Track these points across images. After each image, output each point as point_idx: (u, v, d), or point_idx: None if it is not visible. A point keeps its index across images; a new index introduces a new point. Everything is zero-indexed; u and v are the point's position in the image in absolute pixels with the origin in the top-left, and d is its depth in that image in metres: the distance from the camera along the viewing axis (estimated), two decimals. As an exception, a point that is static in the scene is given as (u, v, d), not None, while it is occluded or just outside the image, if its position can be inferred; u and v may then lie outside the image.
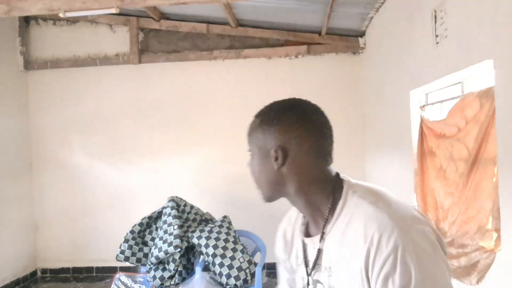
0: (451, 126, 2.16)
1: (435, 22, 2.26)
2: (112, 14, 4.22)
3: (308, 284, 0.94)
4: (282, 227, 1.09)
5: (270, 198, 0.95)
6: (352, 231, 0.81)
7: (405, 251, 0.73)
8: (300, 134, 0.87)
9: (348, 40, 4.46)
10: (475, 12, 1.82)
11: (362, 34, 4.37)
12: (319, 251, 0.88)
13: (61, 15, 3.14)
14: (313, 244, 0.91)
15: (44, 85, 4.79)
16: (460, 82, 2.30)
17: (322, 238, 0.88)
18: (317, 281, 0.91)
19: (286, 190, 0.91)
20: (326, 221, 0.87)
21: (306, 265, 0.93)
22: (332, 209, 0.86)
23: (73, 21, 4.73)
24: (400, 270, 0.73)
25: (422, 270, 0.73)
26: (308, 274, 0.92)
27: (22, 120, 4.71)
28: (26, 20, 4.76)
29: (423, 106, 2.72)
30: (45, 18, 4.75)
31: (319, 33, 4.45)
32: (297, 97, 0.95)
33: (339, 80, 4.51)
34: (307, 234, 0.95)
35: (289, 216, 1.09)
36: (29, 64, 4.71)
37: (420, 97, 2.78)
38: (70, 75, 4.74)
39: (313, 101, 0.95)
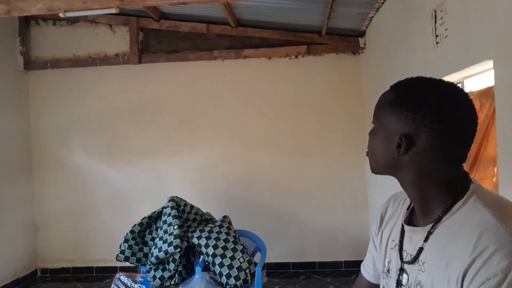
0: (451, 126, 2.16)
1: (435, 22, 2.26)
2: (112, 14, 4.23)
3: (390, 270, 0.91)
4: (385, 204, 1.03)
5: (377, 173, 0.89)
6: (463, 236, 0.74)
7: None
8: (434, 129, 0.77)
9: (348, 40, 4.46)
10: (475, 12, 1.82)
11: (362, 34, 4.37)
12: (420, 249, 0.82)
13: (61, 15, 3.14)
14: (412, 234, 0.86)
15: (44, 85, 4.79)
16: (460, 82, 2.30)
17: (427, 237, 0.81)
18: (404, 271, 0.86)
19: (400, 176, 0.85)
20: (437, 221, 0.80)
21: (400, 252, 0.88)
22: (447, 211, 0.80)
23: (73, 21, 4.73)
24: None
25: None
26: (405, 262, 0.86)
27: (22, 120, 4.71)
28: (26, 20, 4.76)
29: (423, 106, 2.72)
30: (45, 18, 4.75)
31: (319, 33, 4.45)
32: (424, 80, 0.84)
33: (339, 80, 4.51)
34: (410, 221, 0.90)
35: (396, 196, 1.03)
36: (29, 64, 4.71)
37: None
38: (70, 75, 4.74)
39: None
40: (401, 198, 1.00)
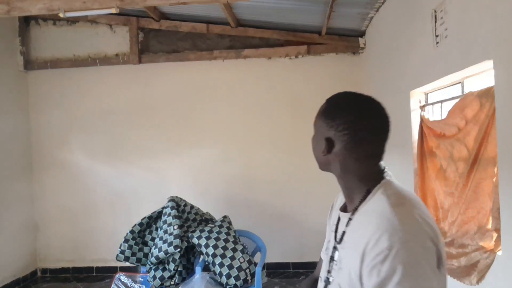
0: (451, 126, 2.16)
1: (435, 22, 2.26)
2: (112, 14, 4.23)
3: (327, 248, 1.09)
4: (338, 195, 1.20)
5: (321, 169, 1.07)
6: (367, 222, 0.91)
7: (398, 254, 0.82)
8: (345, 134, 0.96)
9: (348, 40, 4.46)
10: (475, 12, 1.82)
11: (362, 34, 4.37)
12: (343, 233, 1.01)
13: (61, 15, 3.15)
14: (342, 218, 1.04)
15: (44, 85, 4.79)
16: (460, 82, 2.30)
17: (348, 222, 1.00)
18: (336, 249, 1.04)
19: (332, 171, 1.04)
20: (355, 209, 0.98)
21: (336, 234, 1.05)
22: (362, 201, 0.97)
23: (73, 21, 4.73)
24: (388, 266, 0.82)
25: (407, 275, 0.81)
26: (336, 242, 1.03)
27: (22, 120, 4.71)
28: (26, 20, 4.76)
29: (423, 106, 2.73)
30: (45, 18, 4.75)
31: (319, 33, 4.45)
32: (351, 92, 1.03)
33: (339, 80, 4.51)
34: (345, 208, 1.07)
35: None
36: (29, 64, 4.72)
37: (420, 97, 2.78)
38: (70, 75, 4.74)
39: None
40: None
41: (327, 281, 1.04)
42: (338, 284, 0.97)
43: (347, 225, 1.00)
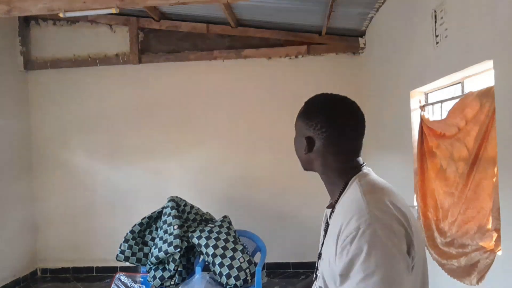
0: (451, 126, 2.16)
1: (435, 22, 2.26)
2: (112, 14, 4.22)
3: (319, 246, 1.12)
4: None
5: (304, 169, 1.13)
6: (343, 210, 0.98)
7: (364, 234, 0.88)
8: (323, 132, 1.03)
9: (348, 40, 4.46)
10: (475, 12, 1.82)
11: (362, 34, 4.37)
12: (327, 225, 1.06)
13: (61, 15, 3.14)
14: (328, 214, 1.10)
15: (44, 85, 4.79)
16: (460, 82, 2.30)
17: (331, 215, 1.06)
18: (322, 245, 1.08)
19: (315, 170, 1.10)
20: (335, 202, 1.04)
21: (325, 230, 1.10)
22: (341, 193, 1.04)
23: (73, 21, 4.73)
24: (355, 245, 0.88)
25: (372, 254, 0.86)
26: (323, 241, 1.08)
27: (22, 120, 4.71)
28: (26, 20, 4.75)
29: (423, 106, 2.73)
30: (45, 18, 4.75)
31: (319, 33, 4.45)
32: (325, 94, 1.12)
33: (339, 80, 4.50)
34: (330, 206, 1.13)
35: None
36: (29, 64, 4.71)
37: (420, 97, 2.78)
38: (70, 75, 4.74)
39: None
40: None
41: (316, 278, 1.09)
42: (322, 275, 1.02)
43: (329, 217, 1.06)
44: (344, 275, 0.90)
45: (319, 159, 1.06)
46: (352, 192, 0.99)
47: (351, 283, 0.88)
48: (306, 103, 1.11)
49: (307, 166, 1.11)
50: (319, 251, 1.09)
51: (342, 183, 1.04)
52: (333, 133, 1.03)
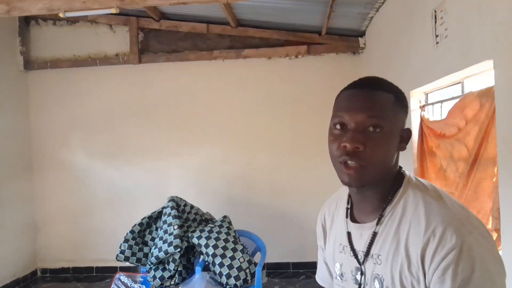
0: (451, 126, 2.16)
1: (435, 22, 2.26)
2: (112, 14, 4.23)
3: (343, 273, 0.94)
4: (321, 215, 1.09)
5: (374, 183, 0.87)
6: (409, 220, 0.81)
7: (471, 247, 0.74)
8: (406, 117, 0.91)
9: (348, 40, 4.46)
10: (475, 12, 1.82)
11: (362, 34, 4.37)
12: (374, 234, 0.86)
13: (61, 15, 3.14)
14: (361, 231, 0.90)
15: (44, 85, 4.79)
16: (460, 82, 2.30)
17: (379, 221, 0.86)
18: (359, 269, 0.90)
19: (387, 174, 0.88)
20: (387, 204, 0.86)
21: (353, 252, 0.91)
22: (392, 196, 0.87)
23: (73, 21, 4.73)
24: (464, 264, 0.73)
25: (483, 268, 0.73)
26: (360, 263, 0.90)
27: (22, 120, 4.71)
28: (26, 20, 4.75)
29: (423, 106, 2.73)
30: (45, 18, 4.75)
31: (319, 33, 4.45)
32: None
33: (339, 80, 4.45)
34: (353, 220, 0.94)
35: (328, 204, 1.09)
36: (29, 64, 4.71)
37: (420, 97, 2.78)
38: (70, 75, 4.74)
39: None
40: (333, 205, 1.05)
41: None
42: None
43: (374, 235, 0.86)
44: None
45: (397, 156, 0.89)
46: (414, 199, 0.84)
47: None
48: (390, 90, 0.88)
49: (384, 171, 0.87)
50: (355, 278, 0.91)
51: (389, 187, 0.88)
52: (405, 118, 0.91)
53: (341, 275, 0.95)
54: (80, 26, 4.76)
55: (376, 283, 0.85)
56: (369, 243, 0.87)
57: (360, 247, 0.90)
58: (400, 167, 0.92)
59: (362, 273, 0.89)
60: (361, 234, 0.90)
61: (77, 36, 4.76)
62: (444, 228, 0.76)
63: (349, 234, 0.93)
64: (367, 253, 0.87)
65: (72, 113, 4.75)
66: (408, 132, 0.89)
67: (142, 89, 4.70)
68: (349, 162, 0.85)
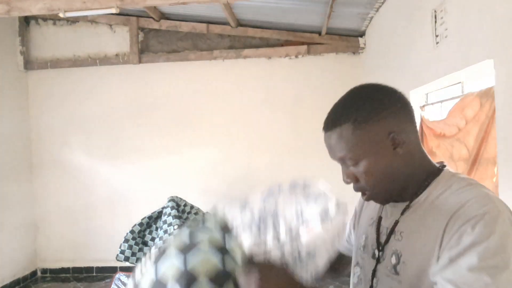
0: (451, 126, 2.16)
1: (435, 22, 2.26)
2: (112, 14, 4.23)
3: (366, 246, 0.95)
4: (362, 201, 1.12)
5: (394, 196, 0.87)
6: (439, 199, 0.80)
7: (494, 220, 0.70)
8: (397, 115, 0.88)
9: (348, 40, 4.46)
10: (475, 12, 1.82)
11: (362, 34, 4.37)
12: (396, 222, 0.86)
13: (61, 15, 3.15)
14: (392, 209, 0.90)
15: (44, 85, 4.79)
16: (460, 82, 2.30)
17: (404, 210, 0.86)
18: (380, 244, 0.90)
19: (407, 177, 0.86)
20: (423, 190, 0.85)
21: (378, 227, 0.92)
22: (423, 187, 0.85)
23: (73, 21, 4.73)
24: (481, 229, 0.70)
25: (504, 245, 0.69)
26: (379, 235, 0.91)
27: (22, 120, 4.71)
28: (26, 20, 4.76)
29: (423, 106, 2.73)
30: (45, 18, 4.75)
31: (319, 33, 4.45)
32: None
33: (339, 80, 4.50)
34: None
35: None
36: (29, 64, 4.71)
37: (420, 97, 2.78)
38: (70, 75, 4.74)
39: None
40: None
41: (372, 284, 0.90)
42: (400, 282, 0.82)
43: (402, 213, 0.86)
44: (452, 260, 0.71)
45: (404, 160, 0.88)
46: (457, 186, 0.80)
47: (460, 265, 0.70)
48: (347, 115, 0.90)
49: (395, 188, 0.87)
50: (372, 252, 0.92)
51: (422, 176, 0.86)
52: (396, 116, 0.90)
53: (364, 246, 0.97)
54: (80, 26, 4.76)
55: (393, 258, 0.84)
56: (396, 221, 0.87)
57: (386, 224, 0.90)
58: (443, 165, 0.89)
59: (381, 249, 0.89)
60: (392, 211, 0.90)
61: (77, 36, 4.76)
62: (473, 201, 0.74)
63: (380, 210, 0.95)
64: (391, 231, 0.87)
65: (72, 113, 4.75)
66: (398, 136, 0.84)
67: (142, 89, 4.69)
68: (360, 192, 0.89)
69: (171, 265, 0.77)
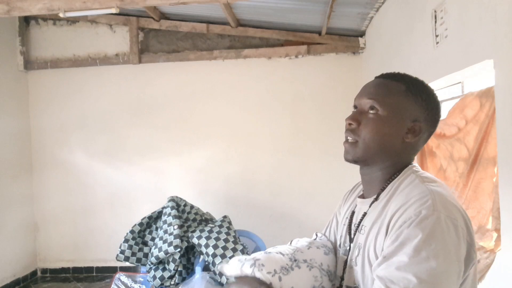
0: (451, 126, 2.16)
1: (435, 22, 2.26)
2: (112, 14, 4.23)
3: (341, 244, 1.03)
4: (352, 188, 1.18)
5: (365, 160, 0.94)
6: (396, 197, 0.88)
7: (425, 220, 0.76)
8: (432, 118, 0.94)
9: (348, 40, 4.46)
10: (475, 12, 1.82)
11: (362, 34, 4.37)
12: (365, 214, 0.95)
13: (61, 15, 3.15)
14: (361, 205, 0.98)
15: (44, 85, 4.79)
16: (460, 82, 2.30)
17: (372, 203, 0.94)
18: (351, 241, 0.97)
19: (390, 160, 0.93)
20: (382, 190, 0.93)
21: (349, 224, 1.00)
22: (389, 181, 0.93)
23: (73, 21, 4.73)
24: (411, 230, 0.77)
25: (428, 242, 0.75)
26: (349, 232, 0.99)
27: (22, 120, 4.71)
28: (26, 20, 4.76)
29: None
30: (45, 18, 4.75)
31: (319, 33, 4.45)
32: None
33: (339, 80, 4.51)
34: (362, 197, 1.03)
35: (356, 184, 1.19)
36: (29, 64, 4.72)
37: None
38: (70, 75, 4.74)
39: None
40: (356, 185, 1.16)
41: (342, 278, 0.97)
42: (360, 268, 0.90)
43: (370, 206, 0.94)
44: (386, 258, 0.78)
45: (413, 148, 0.93)
46: (409, 181, 0.89)
47: (390, 264, 0.76)
48: (401, 79, 0.94)
49: (382, 156, 0.92)
50: (345, 249, 0.99)
51: (394, 171, 0.93)
52: (435, 122, 0.94)
53: (339, 245, 1.05)
54: (80, 26, 4.76)
55: (356, 251, 0.92)
56: (362, 216, 0.95)
57: (355, 221, 0.98)
58: (412, 164, 0.95)
59: (350, 244, 0.97)
60: (360, 208, 0.98)
61: (77, 36, 4.76)
62: (415, 200, 0.81)
63: (355, 206, 1.02)
64: (358, 226, 0.95)
65: (72, 113, 4.75)
66: (418, 125, 0.91)
67: (142, 89, 4.70)
68: (348, 137, 0.96)
69: None
